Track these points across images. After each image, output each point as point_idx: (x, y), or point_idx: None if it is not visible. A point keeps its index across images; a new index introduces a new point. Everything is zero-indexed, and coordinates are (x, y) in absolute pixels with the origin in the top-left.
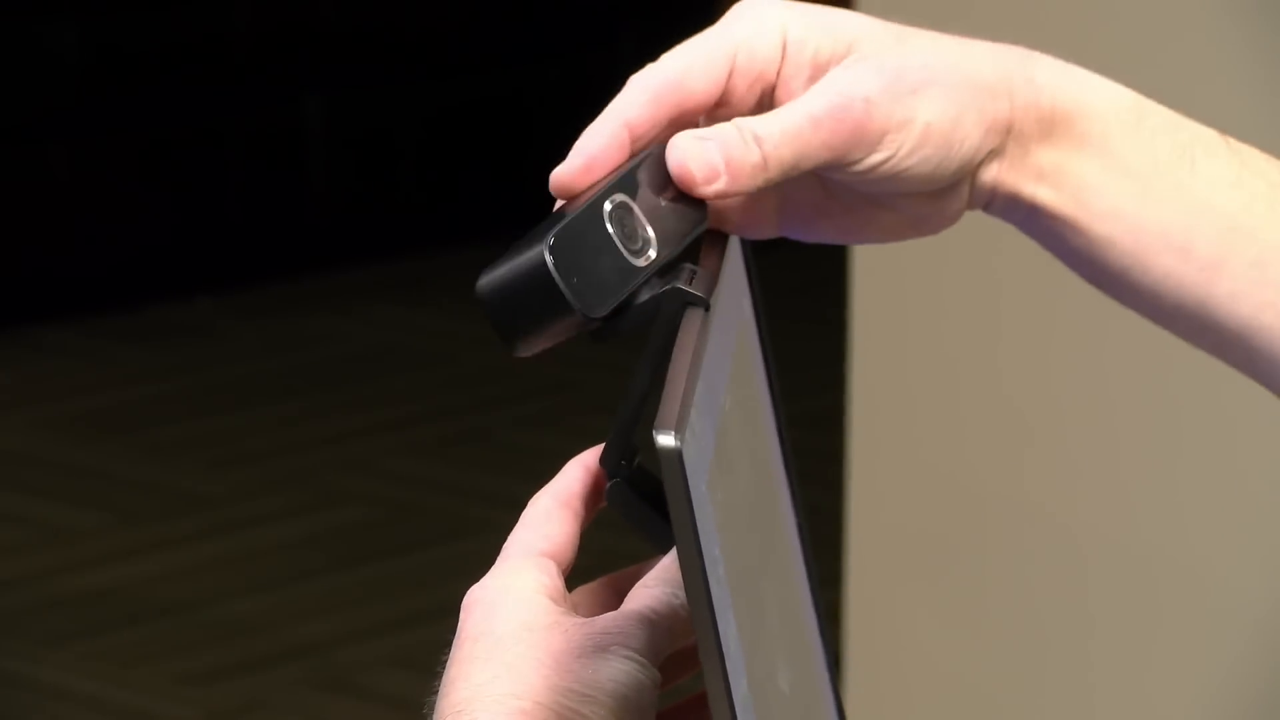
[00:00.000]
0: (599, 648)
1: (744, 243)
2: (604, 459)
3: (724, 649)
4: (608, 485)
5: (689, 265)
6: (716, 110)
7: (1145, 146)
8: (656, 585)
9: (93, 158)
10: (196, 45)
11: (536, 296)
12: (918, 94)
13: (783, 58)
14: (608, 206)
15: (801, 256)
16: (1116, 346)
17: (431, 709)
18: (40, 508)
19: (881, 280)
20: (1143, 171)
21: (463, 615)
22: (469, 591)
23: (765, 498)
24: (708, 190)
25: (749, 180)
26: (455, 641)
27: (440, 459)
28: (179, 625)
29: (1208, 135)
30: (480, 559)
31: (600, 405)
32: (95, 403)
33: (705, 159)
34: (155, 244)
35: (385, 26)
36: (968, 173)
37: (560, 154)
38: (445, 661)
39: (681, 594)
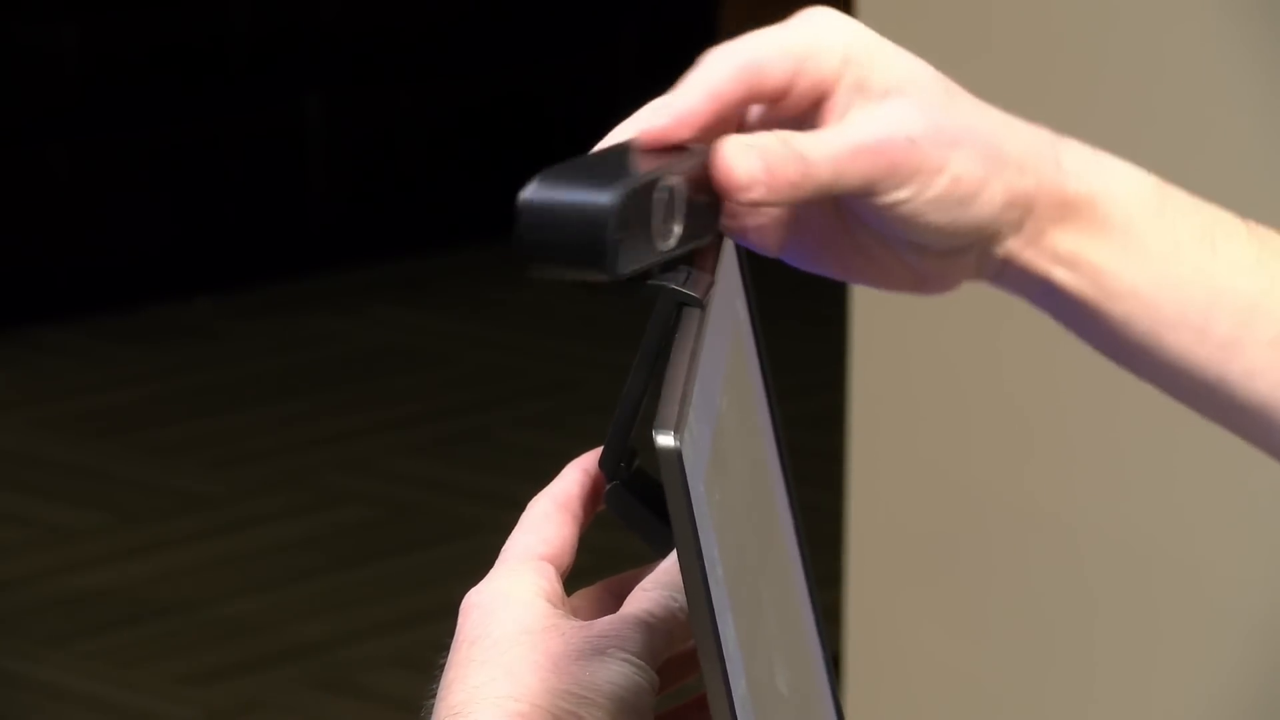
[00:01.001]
0: (597, 650)
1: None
2: (602, 462)
3: (723, 650)
4: (606, 488)
5: (685, 266)
6: (771, 108)
7: (1166, 230)
8: (655, 588)
9: (93, 158)
10: (196, 45)
11: (583, 239)
12: (954, 147)
13: (839, 76)
14: (666, 182)
15: None
16: None
17: (429, 712)
18: (40, 508)
19: None
20: (1163, 254)
21: (461, 618)
22: (467, 595)
23: (762, 498)
24: (745, 197)
25: (786, 194)
26: (453, 644)
27: (440, 459)
28: (179, 625)
29: (1228, 219)
30: (480, 559)
31: (600, 405)
32: (95, 403)
33: (749, 166)
34: (155, 244)
35: (385, 26)
36: (981, 238)
37: (560, 153)
38: (443, 663)
39: (680, 597)
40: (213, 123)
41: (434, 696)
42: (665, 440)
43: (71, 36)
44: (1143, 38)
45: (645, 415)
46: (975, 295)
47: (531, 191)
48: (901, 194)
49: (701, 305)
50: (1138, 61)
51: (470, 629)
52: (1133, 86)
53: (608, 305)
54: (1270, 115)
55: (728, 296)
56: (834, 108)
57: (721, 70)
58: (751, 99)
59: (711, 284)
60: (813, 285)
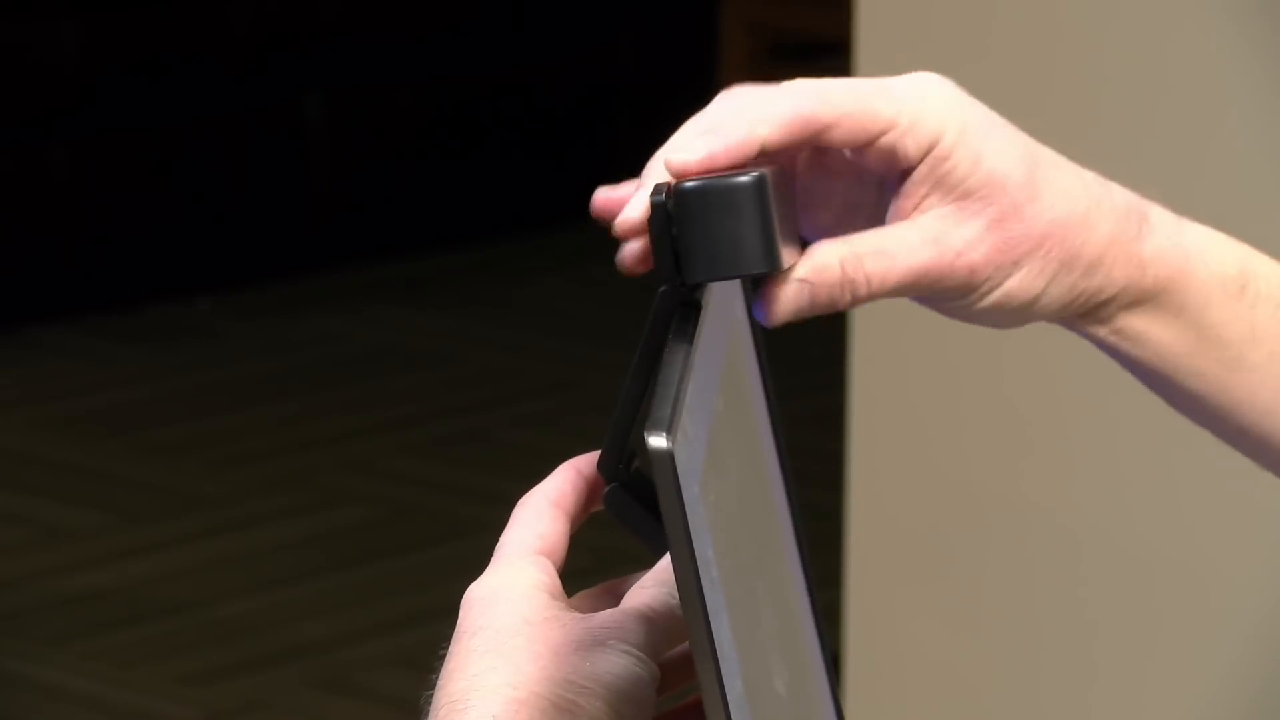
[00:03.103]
0: (597, 641)
1: None
2: (601, 463)
3: (718, 650)
4: (605, 490)
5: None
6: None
7: (1244, 316)
8: (653, 585)
9: (93, 158)
10: (196, 45)
11: (751, 248)
12: (1018, 266)
13: (925, 161)
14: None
15: None
16: None
17: (428, 702)
18: (40, 508)
19: None
20: (1237, 341)
21: (462, 611)
22: (468, 589)
23: (760, 499)
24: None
25: (823, 310)
26: (454, 637)
27: (440, 459)
28: (179, 625)
29: None
30: (479, 559)
31: (600, 405)
32: (95, 403)
33: (797, 301)
34: (155, 244)
35: (385, 26)
36: (1036, 322)
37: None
38: (442, 658)
39: (678, 595)
40: (213, 123)
41: (434, 688)
42: (657, 442)
43: (71, 36)
44: (1145, 39)
45: (643, 417)
46: None
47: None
48: (949, 302)
49: (698, 306)
50: (1140, 64)
51: (471, 621)
52: (1135, 89)
53: (608, 305)
54: (1273, 118)
55: (726, 298)
56: (914, 191)
57: (773, 115)
58: (812, 144)
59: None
60: None
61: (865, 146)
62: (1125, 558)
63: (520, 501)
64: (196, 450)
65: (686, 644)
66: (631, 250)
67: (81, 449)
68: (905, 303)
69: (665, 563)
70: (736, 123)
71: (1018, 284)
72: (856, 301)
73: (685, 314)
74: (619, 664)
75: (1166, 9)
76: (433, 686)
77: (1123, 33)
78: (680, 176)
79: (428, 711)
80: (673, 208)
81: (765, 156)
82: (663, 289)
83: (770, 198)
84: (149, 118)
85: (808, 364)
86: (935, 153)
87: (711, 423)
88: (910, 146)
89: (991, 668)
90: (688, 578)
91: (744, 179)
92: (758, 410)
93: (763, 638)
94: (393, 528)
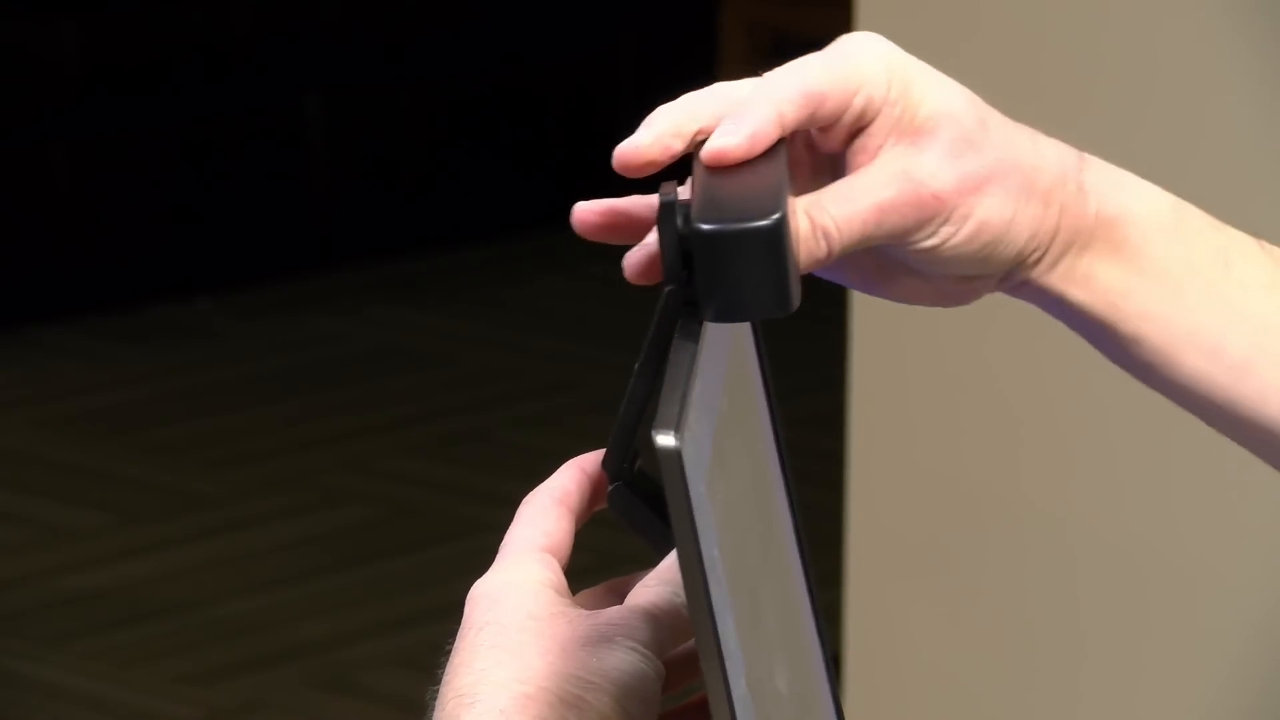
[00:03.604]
0: (604, 638)
1: None
2: (606, 462)
3: (723, 649)
4: (609, 488)
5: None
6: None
7: (1181, 250)
8: (657, 584)
9: (93, 158)
10: (196, 45)
11: (775, 289)
12: (981, 193)
13: (879, 110)
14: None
15: None
16: None
17: (434, 698)
18: (40, 508)
19: None
20: (1177, 274)
21: (468, 607)
22: (474, 585)
23: (762, 498)
24: None
25: (809, 268)
26: (460, 633)
27: (440, 459)
28: (179, 625)
29: (1244, 240)
30: (480, 558)
31: (600, 405)
32: (95, 403)
33: None
34: (155, 244)
35: (385, 26)
36: (1003, 268)
37: (560, 153)
38: (447, 656)
39: (682, 594)
40: (213, 123)
41: (440, 684)
42: (665, 440)
43: (71, 36)
44: (1140, 38)
45: (648, 417)
46: None
47: (710, 230)
48: (926, 242)
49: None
50: (1135, 62)
51: (477, 616)
52: (1130, 87)
53: (608, 305)
54: (1268, 114)
55: None
56: (869, 143)
57: (791, 95)
58: (808, 126)
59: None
60: (813, 285)
61: (843, 113)
62: (1122, 558)
63: (525, 499)
64: (196, 450)
65: (690, 642)
66: (637, 260)
67: (81, 449)
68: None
69: (669, 561)
70: (764, 104)
71: (986, 211)
72: (832, 252)
73: (690, 313)
74: (626, 660)
75: (1161, 7)
76: (438, 683)
77: (1118, 32)
78: (723, 162)
79: (433, 707)
80: (691, 245)
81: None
82: (668, 288)
83: (788, 239)
84: (149, 117)
85: (808, 364)
86: (888, 98)
87: (717, 422)
88: (875, 98)
89: (990, 667)
90: (694, 576)
91: (763, 224)
92: (759, 410)
93: (766, 636)
94: (393, 528)
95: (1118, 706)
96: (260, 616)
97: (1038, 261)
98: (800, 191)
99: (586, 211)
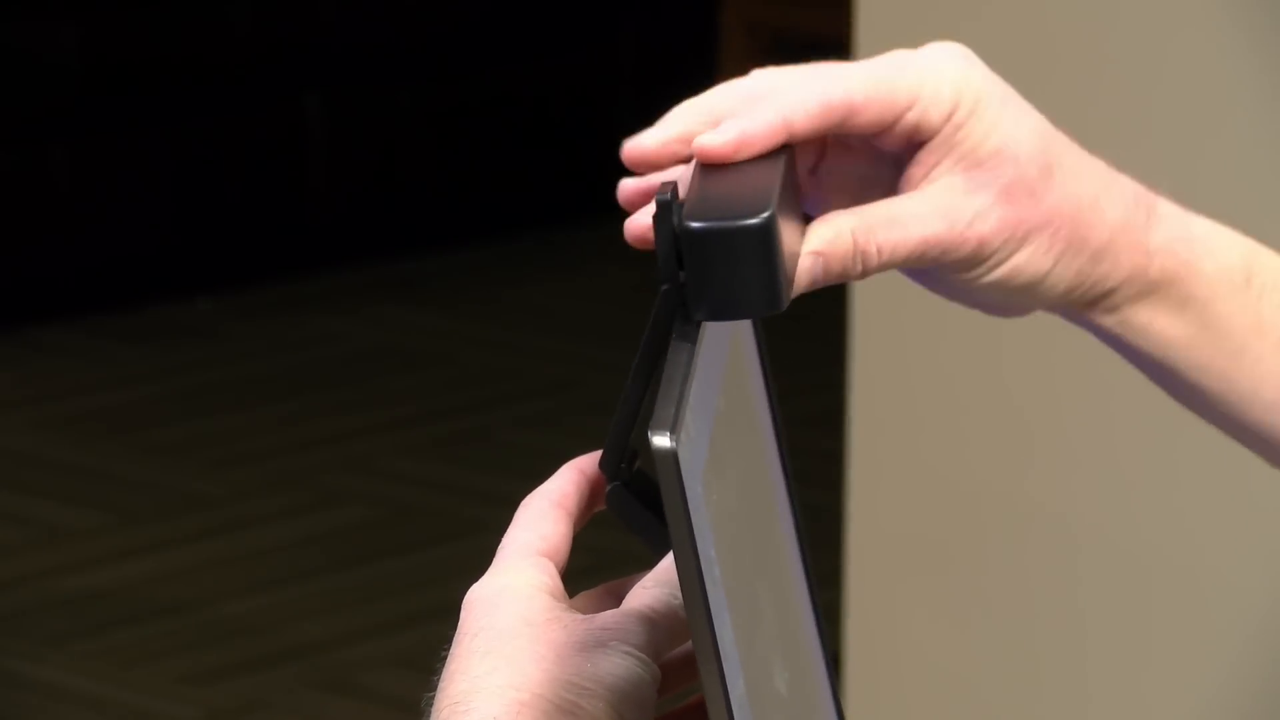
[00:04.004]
0: (599, 643)
1: None
2: (603, 462)
3: (720, 650)
4: (607, 489)
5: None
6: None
7: (1250, 308)
8: (655, 586)
9: (93, 158)
10: (196, 45)
11: (762, 285)
12: (1026, 243)
13: (941, 131)
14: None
15: None
16: None
17: (429, 704)
18: (40, 508)
19: (881, 280)
20: (1241, 334)
21: (463, 612)
22: (470, 590)
23: (761, 499)
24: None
25: (835, 281)
26: (455, 638)
27: (440, 459)
28: (179, 625)
29: None
30: (480, 559)
31: (600, 405)
32: (95, 403)
33: (811, 274)
34: (155, 244)
35: (385, 26)
36: (1044, 307)
37: (560, 153)
38: (444, 659)
39: (679, 595)
40: (213, 123)
41: (435, 689)
42: (661, 441)
43: (71, 36)
44: (1144, 40)
45: (645, 416)
46: None
47: (698, 229)
48: (957, 274)
49: None
50: (1139, 64)
51: (473, 622)
52: (1135, 88)
53: (608, 305)
54: (1272, 114)
55: None
56: (927, 159)
57: (807, 104)
58: (838, 132)
59: None
60: None
61: (893, 124)
62: (1125, 557)
63: (523, 502)
64: (196, 450)
65: (688, 644)
66: (639, 224)
67: (81, 449)
68: (905, 303)
69: (666, 563)
70: (767, 109)
71: (1025, 259)
72: (867, 272)
73: (687, 313)
74: (621, 665)
75: (1166, 6)
76: (434, 688)
77: (1122, 33)
78: (707, 160)
79: (429, 713)
80: (680, 244)
81: (792, 140)
82: (664, 288)
83: (777, 238)
84: (149, 118)
85: (808, 364)
86: (952, 120)
87: (714, 422)
88: (933, 117)
89: (991, 667)
90: (691, 577)
91: (752, 222)
92: (759, 410)
93: (764, 637)
94: (393, 528)
95: (1120, 707)
96: (260, 616)
97: (1089, 305)
98: (852, 184)
99: (634, 180)
